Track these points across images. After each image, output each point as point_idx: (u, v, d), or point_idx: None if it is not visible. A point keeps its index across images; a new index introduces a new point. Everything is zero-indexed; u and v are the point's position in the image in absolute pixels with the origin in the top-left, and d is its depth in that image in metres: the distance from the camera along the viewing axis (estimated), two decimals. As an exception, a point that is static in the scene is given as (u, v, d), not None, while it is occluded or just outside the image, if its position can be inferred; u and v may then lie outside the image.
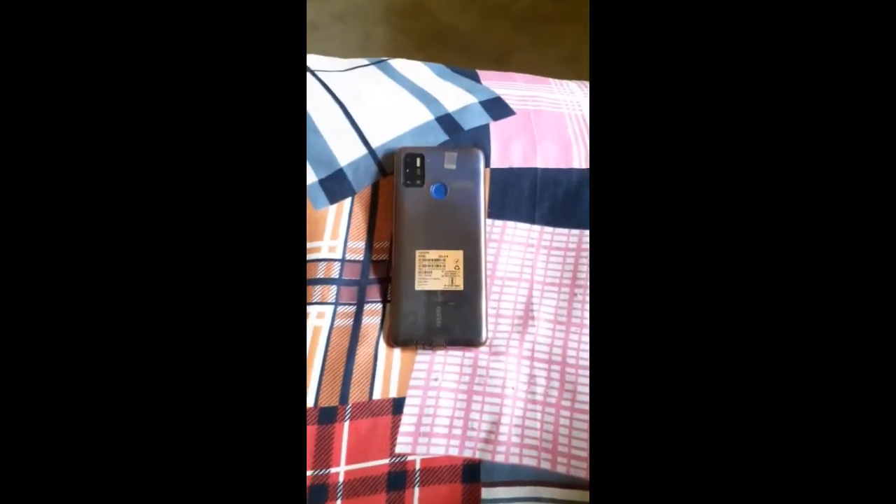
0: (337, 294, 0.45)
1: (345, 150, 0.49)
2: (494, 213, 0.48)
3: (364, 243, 0.47)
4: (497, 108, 0.52)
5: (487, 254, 0.47)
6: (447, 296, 0.45)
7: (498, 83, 0.56)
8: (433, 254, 0.46)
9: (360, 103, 0.52)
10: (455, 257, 0.46)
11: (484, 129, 0.51)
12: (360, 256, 0.47)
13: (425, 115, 0.51)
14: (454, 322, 0.44)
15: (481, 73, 0.58)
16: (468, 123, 0.51)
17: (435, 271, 0.45)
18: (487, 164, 0.49)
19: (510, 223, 0.48)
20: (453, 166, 0.48)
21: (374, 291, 0.46)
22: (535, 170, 0.50)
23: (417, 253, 0.46)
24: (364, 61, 0.59)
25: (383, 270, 0.47)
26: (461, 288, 0.45)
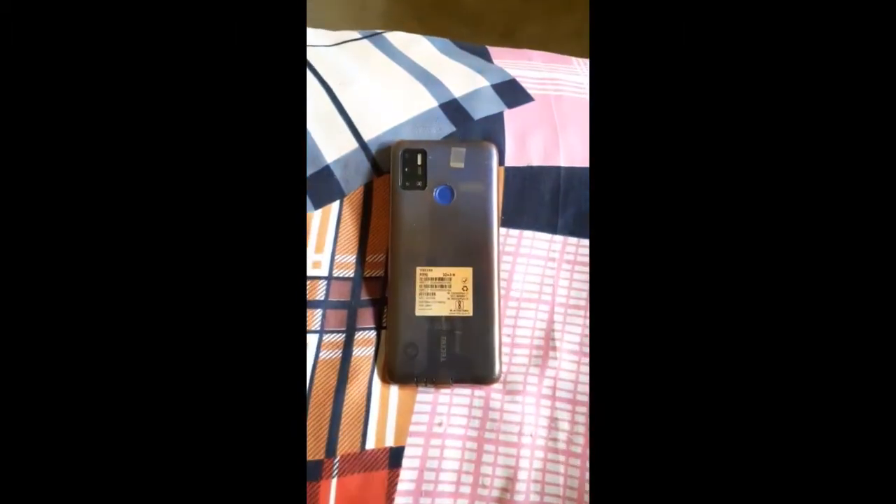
0: (322, 319, 0.38)
1: (332, 144, 0.41)
2: (510, 220, 0.41)
3: (355, 257, 0.40)
4: (512, 92, 0.44)
5: (501, 270, 0.40)
6: (453, 322, 0.38)
7: (512, 62, 0.47)
8: (437, 271, 0.38)
9: (351, 86, 0.43)
10: (463, 276, 0.38)
11: (497, 119, 0.43)
12: (351, 273, 0.40)
13: (427, 101, 0.43)
14: (462, 354, 0.37)
15: (493, 51, 0.49)
16: (478, 111, 0.43)
17: (439, 293, 0.38)
18: (501, 161, 0.42)
19: (528, 233, 0.41)
20: (461, 164, 0.40)
21: (366, 316, 0.39)
22: (557, 168, 0.42)
23: (418, 270, 0.38)
24: (355, 34, 0.50)
25: (378, 290, 0.40)
26: (470, 313, 0.38)
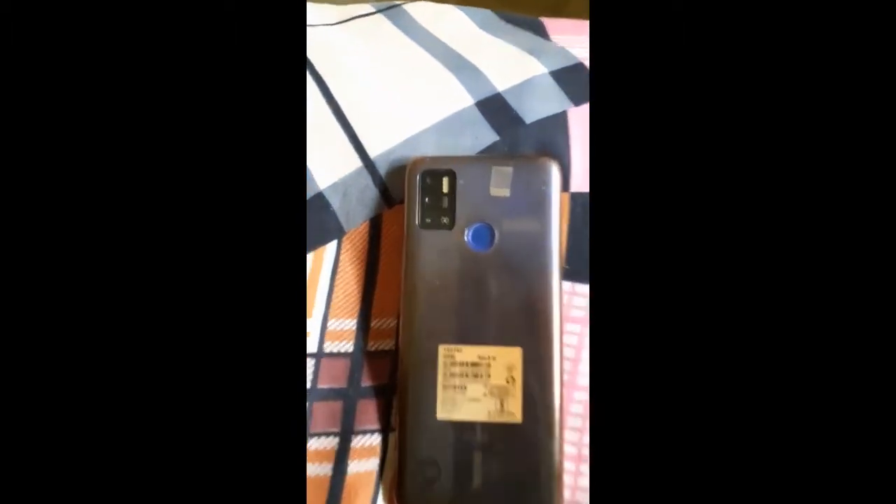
0: (308, 417, 0.27)
1: (326, 163, 0.30)
2: (578, 272, 0.28)
3: (355, 322, 0.29)
4: (579, 82, 0.31)
5: (566, 347, 0.27)
6: (493, 432, 0.25)
7: (578, 40, 0.34)
8: (470, 352, 0.26)
9: (354, 80, 0.31)
10: (508, 359, 0.26)
11: (559, 122, 0.30)
12: (349, 346, 0.28)
13: (460, 98, 0.30)
14: (505, 482, 0.25)
15: (550, 24, 0.36)
16: (532, 111, 0.30)
17: (472, 385, 0.26)
18: (566, 185, 0.29)
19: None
20: (506, 191, 0.27)
21: (368, 411, 0.27)
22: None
23: (442, 350, 0.27)
24: (368, 8, 0.38)
25: (386, 372, 0.28)
26: (518, 419, 0.25)
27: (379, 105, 0.31)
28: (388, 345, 0.28)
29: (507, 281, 0.26)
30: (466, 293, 0.27)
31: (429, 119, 0.30)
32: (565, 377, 0.27)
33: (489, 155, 0.29)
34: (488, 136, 0.30)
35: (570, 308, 0.28)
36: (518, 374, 0.26)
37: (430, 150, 0.29)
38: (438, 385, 0.26)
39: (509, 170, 0.27)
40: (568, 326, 0.27)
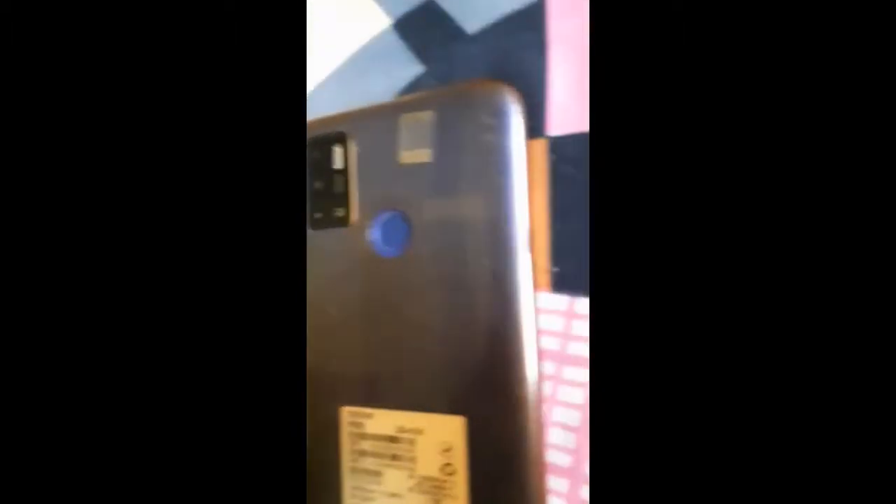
0: None
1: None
2: (572, 279, 0.16)
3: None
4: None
5: (559, 412, 0.16)
6: (421, 555, 0.16)
7: None
8: (384, 420, 0.16)
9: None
10: (443, 435, 0.16)
11: (528, 22, 0.17)
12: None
13: (372, 22, 0.20)
14: None
15: None
16: (478, 14, 0.18)
17: (391, 472, 0.16)
18: (540, 127, 0.17)
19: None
20: (424, 154, 0.16)
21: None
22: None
23: (346, 414, 0.17)
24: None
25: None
26: (459, 534, 0.15)
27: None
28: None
29: (438, 302, 0.16)
30: (375, 325, 0.17)
31: (332, 59, 0.20)
32: (554, 462, 0.15)
33: (400, 98, 0.18)
34: (409, 69, 0.19)
35: (567, 342, 0.16)
36: (461, 461, 0.15)
37: (329, 104, 0.20)
38: (343, 467, 0.17)
39: (427, 117, 0.16)
40: (566, 372, 0.16)
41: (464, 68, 0.18)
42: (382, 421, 0.16)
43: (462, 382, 0.15)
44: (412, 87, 0.18)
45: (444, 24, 0.18)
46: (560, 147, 0.16)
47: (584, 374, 0.15)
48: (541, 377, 0.15)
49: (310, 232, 0.18)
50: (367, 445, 0.17)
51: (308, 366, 0.17)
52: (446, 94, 0.16)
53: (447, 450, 0.15)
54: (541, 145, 0.16)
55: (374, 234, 0.17)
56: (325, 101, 0.20)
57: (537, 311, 0.16)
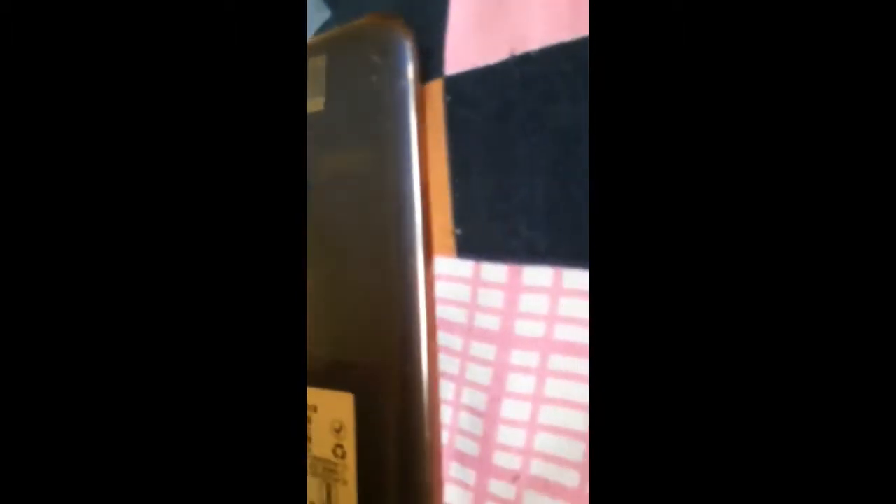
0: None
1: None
2: (479, 241, 0.14)
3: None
4: None
5: (443, 378, 0.14)
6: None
7: None
8: None
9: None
10: (335, 412, 0.14)
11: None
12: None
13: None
14: None
15: None
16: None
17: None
18: (435, 68, 0.14)
19: (529, 270, 0.13)
20: (318, 101, 0.15)
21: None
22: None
23: None
24: None
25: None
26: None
27: None
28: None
29: (324, 268, 0.14)
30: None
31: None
32: (460, 449, 0.14)
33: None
34: (318, 16, 0.17)
35: (474, 313, 0.14)
36: (351, 443, 0.14)
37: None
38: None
39: (320, 62, 0.15)
40: (474, 348, 0.14)
41: (371, 12, 0.16)
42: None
43: (349, 355, 0.14)
44: (319, 33, 0.17)
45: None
46: (456, 86, 0.14)
47: (492, 352, 0.13)
48: (435, 352, 0.13)
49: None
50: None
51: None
52: (338, 35, 0.15)
53: (338, 430, 0.14)
54: (437, 88, 0.14)
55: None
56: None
57: (436, 277, 0.14)
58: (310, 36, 0.17)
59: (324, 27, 0.17)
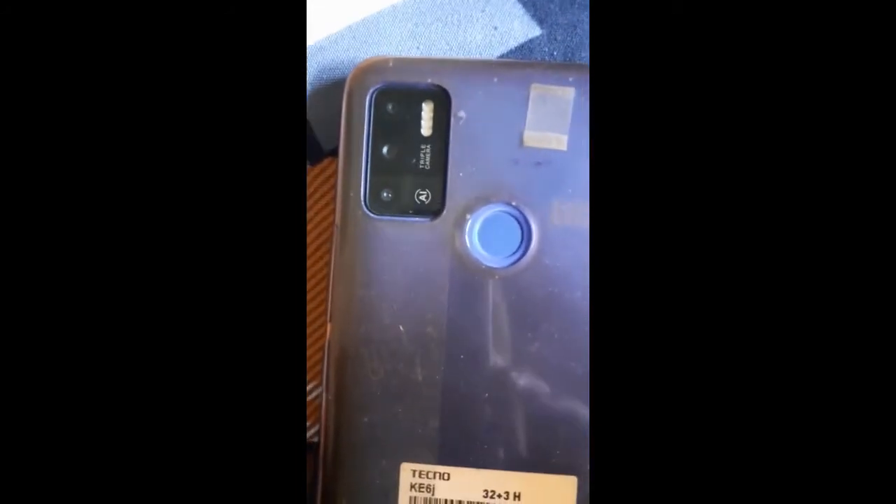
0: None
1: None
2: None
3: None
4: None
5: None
6: None
7: None
8: (467, 481, 0.13)
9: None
10: (553, 498, 0.13)
11: None
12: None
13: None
14: None
15: None
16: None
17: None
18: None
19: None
20: (561, 139, 0.13)
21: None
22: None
23: (406, 472, 0.13)
24: None
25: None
26: None
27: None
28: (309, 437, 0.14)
29: (555, 333, 0.12)
30: (466, 356, 0.13)
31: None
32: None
33: (519, 61, 0.14)
34: (521, 29, 0.15)
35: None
36: (570, 536, 0.12)
37: (394, 46, 0.15)
38: (398, 552, 0.12)
39: (567, 94, 0.13)
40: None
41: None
42: (462, 482, 0.12)
43: (577, 434, 0.12)
44: (520, 52, 0.14)
45: (566, -18, 0.15)
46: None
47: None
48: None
49: (367, 216, 0.13)
50: (438, 517, 0.12)
51: (356, 399, 0.12)
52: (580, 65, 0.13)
53: (554, 521, 0.12)
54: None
55: (475, 232, 0.13)
56: (388, 38, 0.14)
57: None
58: (500, 54, 0.14)
59: (530, 45, 0.14)
